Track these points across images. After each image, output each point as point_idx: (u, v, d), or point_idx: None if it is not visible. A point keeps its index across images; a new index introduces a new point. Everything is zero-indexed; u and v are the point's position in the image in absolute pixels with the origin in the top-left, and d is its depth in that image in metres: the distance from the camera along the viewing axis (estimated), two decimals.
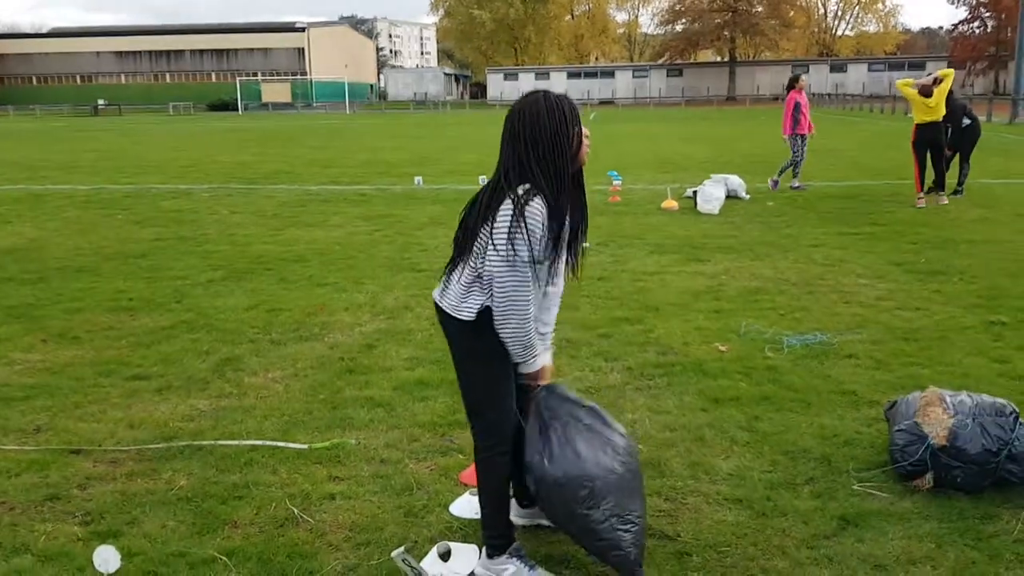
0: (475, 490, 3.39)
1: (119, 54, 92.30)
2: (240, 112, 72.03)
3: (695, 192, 11.99)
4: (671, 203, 11.93)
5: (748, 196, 12.68)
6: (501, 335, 2.75)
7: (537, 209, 2.64)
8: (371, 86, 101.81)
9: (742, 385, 4.79)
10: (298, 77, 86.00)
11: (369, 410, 4.50)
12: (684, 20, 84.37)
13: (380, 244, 9.56)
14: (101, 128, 44.77)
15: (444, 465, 3.83)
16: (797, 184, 13.72)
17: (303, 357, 5.45)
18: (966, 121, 12.80)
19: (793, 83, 13.82)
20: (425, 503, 3.49)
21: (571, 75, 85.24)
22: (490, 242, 2.66)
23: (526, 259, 2.65)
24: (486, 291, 2.75)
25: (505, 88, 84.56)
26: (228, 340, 5.85)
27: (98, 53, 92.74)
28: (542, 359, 2.93)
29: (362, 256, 8.86)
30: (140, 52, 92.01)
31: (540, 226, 2.65)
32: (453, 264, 2.86)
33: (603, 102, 78.87)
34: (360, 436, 4.16)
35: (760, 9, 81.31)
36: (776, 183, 13.82)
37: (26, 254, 9.24)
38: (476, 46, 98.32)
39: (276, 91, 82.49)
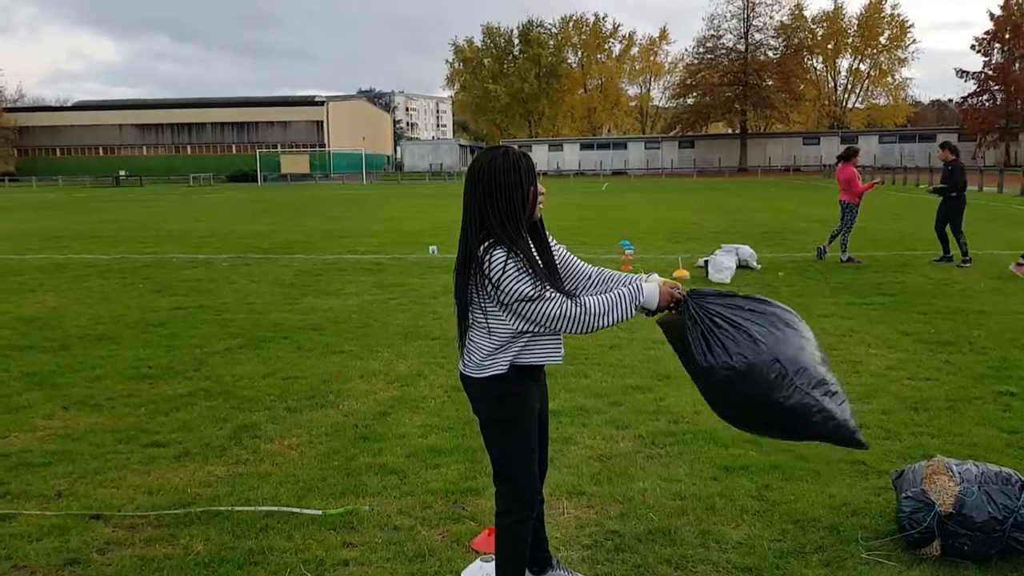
0: (487, 556, 3.44)
1: (141, 127, 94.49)
2: (259, 183, 73.31)
3: (706, 262, 12.13)
4: (683, 272, 12.06)
5: (759, 266, 12.80)
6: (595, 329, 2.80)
7: (500, 257, 2.76)
8: (388, 157, 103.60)
9: (752, 454, 4.83)
10: (316, 149, 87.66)
11: (383, 477, 4.57)
12: (695, 94, 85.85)
13: (395, 312, 9.70)
14: (122, 199, 45.66)
15: (456, 532, 3.88)
16: (848, 256, 13.42)
17: (318, 424, 5.54)
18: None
19: (852, 155, 13.64)
20: (437, 570, 3.54)
21: (584, 146, 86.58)
22: (497, 304, 2.78)
23: (532, 294, 2.75)
24: (498, 345, 2.84)
25: None
26: (245, 407, 5.95)
27: (120, 126, 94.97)
28: (648, 288, 2.88)
29: (377, 324, 8.99)
30: (162, 125, 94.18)
31: (515, 267, 2.75)
32: (461, 332, 2.97)
33: (616, 172, 79.94)
34: (374, 503, 4.22)
35: (770, 83, 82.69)
36: (824, 251, 13.69)
37: (48, 322, 9.41)
38: (491, 119, 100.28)
39: (295, 162, 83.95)
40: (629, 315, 2.84)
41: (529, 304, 2.76)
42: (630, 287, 2.91)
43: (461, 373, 3.01)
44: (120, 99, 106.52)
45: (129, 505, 4.25)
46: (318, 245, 17.69)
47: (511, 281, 2.74)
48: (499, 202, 2.82)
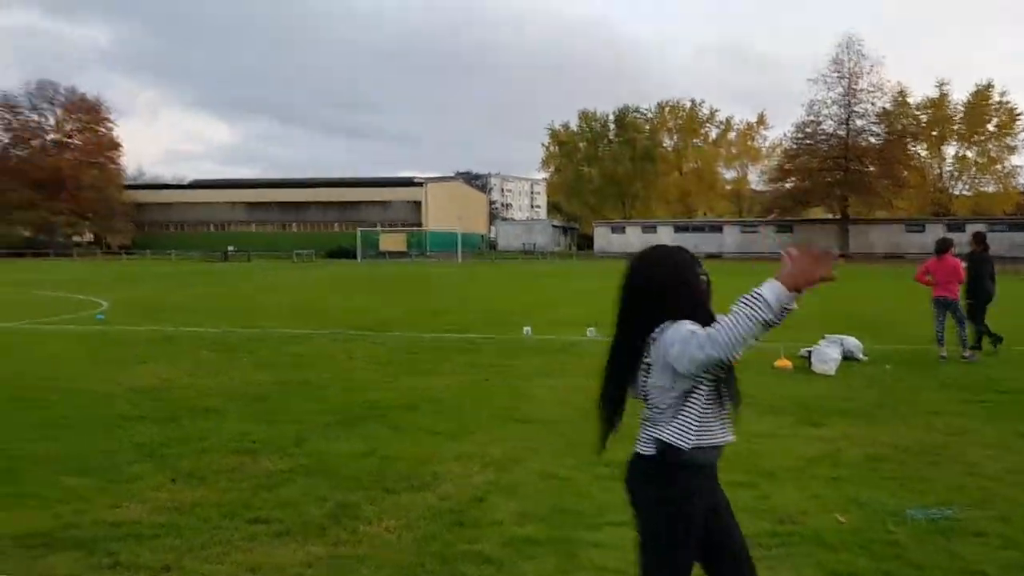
0: None
1: (250, 204, 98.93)
2: (359, 260, 75.44)
3: (809, 352, 11.81)
4: (784, 362, 11.76)
5: (865, 357, 12.39)
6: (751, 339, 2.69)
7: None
8: (482, 236, 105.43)
9: (862, 561, 4.61)
10: (414, 228, 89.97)
11: (478, 566, 4.53)
12: (793, 178, 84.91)
13: (489, 394, 9.73)
14: (230, 273, 47.62)
15: None
16: (968, 354, 12.68)
17: (415, 507, 5.56)
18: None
19: (949, 245, 13.05)
20: None
21: (678, 228, 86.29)
22: (665, 356, 2.83)
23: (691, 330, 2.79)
24: (662, 425, 2.88)
25: (612, 240, 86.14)
26: (343, 487, 6.03)
27: (232, 203, 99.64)
28: (771, 286, 2.69)
29: (471, 405, 9.03)
30: (269, 203, 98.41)
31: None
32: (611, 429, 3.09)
33: (710, 256, 79.22)
34: None
35: (872, 169, 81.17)
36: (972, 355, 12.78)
37: (158, 393, 9.79)
38: (584, 200, 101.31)
39: (393, 240, 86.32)
40: (762, 314, 2.64)
41: (690, 343, 2.79)
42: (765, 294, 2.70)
43: (629, 478, 3.09)
44: (231, 178, 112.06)
45: None
46: (414, 323, 18.00)
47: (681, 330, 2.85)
48: (671, 299, 2.90)
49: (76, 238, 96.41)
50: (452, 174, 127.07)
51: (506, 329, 16.59)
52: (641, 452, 2.93)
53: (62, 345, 14.26)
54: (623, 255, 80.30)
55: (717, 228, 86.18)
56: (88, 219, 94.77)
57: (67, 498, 5.75)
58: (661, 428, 2.89)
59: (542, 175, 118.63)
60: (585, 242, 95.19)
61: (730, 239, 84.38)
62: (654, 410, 2.92)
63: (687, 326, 2.81)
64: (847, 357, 12.15)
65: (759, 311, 2.64)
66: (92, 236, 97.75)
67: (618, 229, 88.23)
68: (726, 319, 2.72)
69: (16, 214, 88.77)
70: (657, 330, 2.89)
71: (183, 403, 9.17)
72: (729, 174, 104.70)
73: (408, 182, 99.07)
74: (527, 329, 15.80)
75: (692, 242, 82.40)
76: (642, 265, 2.99)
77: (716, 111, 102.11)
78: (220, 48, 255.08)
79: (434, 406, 8.99)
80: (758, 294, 2.67)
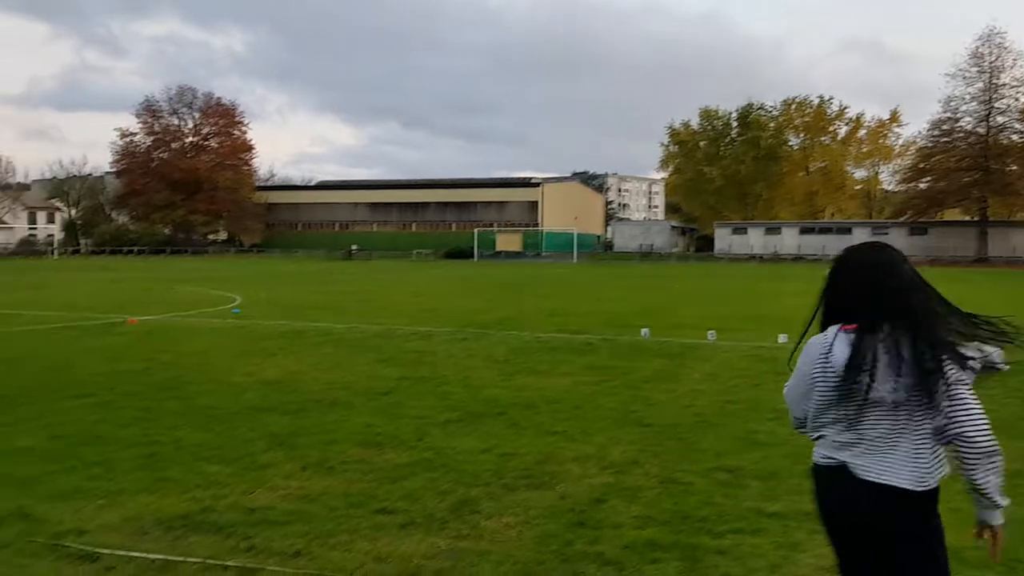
0: None
1: (372, 205, 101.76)
2: (475, 259, 76.48)
3: None
4: None
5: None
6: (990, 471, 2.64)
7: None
8: (598, 237, 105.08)
9: None
10: (530, 228, 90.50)
11: (599, 567, 4.51)
12: (928, 178, 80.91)
13: (606, 395, 9.68)
14: (353, 272, 49.12)
15: None
16: None
17: (534, 505, 5.58)
18: None
19: None
20: None
21: (804, 230, 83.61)
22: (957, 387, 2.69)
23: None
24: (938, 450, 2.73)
25: (733, 242, 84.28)
26: (464, 482, 6.11)
27: (355, 204, 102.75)
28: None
29: (589, 406, 9.00)
30: (391, 204, 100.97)
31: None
32: (893, 440, 2.72)
33: None
34: None
35: (1015, 168, 76.49)
36: None
37: (287, 385, 10.18)
38: (703, 200, 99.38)
39: (509, 240, 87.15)
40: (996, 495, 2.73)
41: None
42: None
43: (878, 491, 2.70)
44: (355, 180, 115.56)
45: (359, 571, 4.45)
46: (530, 322, 18.09)
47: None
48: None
49: (211, 236, 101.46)
50: (569, 174, 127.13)
51: (623, 331, 16.46)
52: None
53: (201, 338, 15.03)
54: (745, 257, 78.52)
55: (846, 230, 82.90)
56: (223, 218, 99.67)
57: (205, 483, 6.05)
58: None
59: (661, 175, 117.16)
60: (705, 244, 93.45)
61: (859, 241, 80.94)
62: None
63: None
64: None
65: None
66: (226, 235, 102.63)
67: (740, 230, 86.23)
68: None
69: (158, 214, 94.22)
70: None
71: (311, 395, 9.51)
72: (858, 173, 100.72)
73: (525, 183, 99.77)
74: (645, 331, 15.63)
75: (819, 244, 79.75)
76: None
77: (845, 108, 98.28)
78: (346, 54, 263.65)
79: (552, 406, 9.01)
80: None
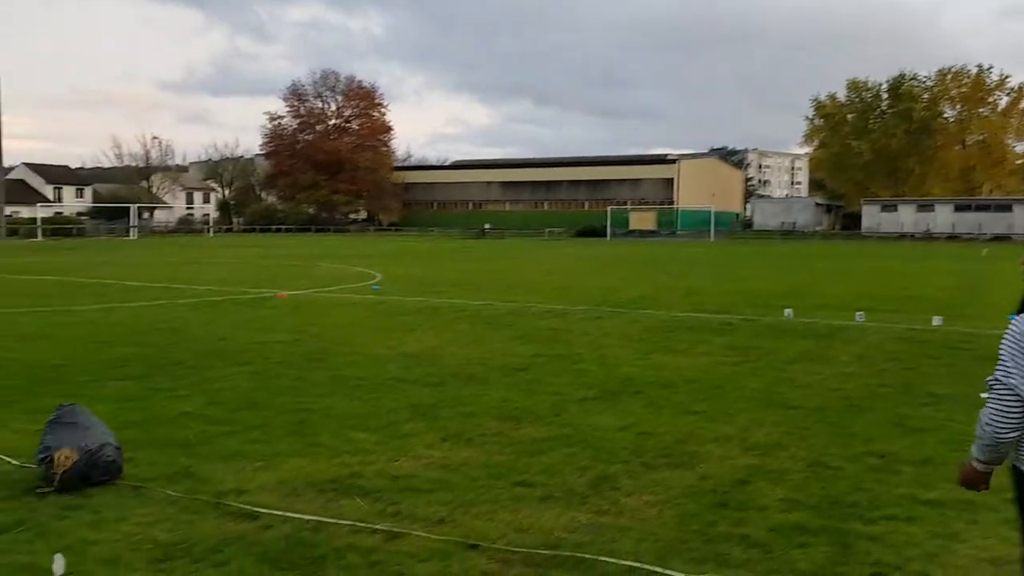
0: None
1: (506, 184, 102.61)
2: (607, 238, 75.99)
3: None
4: None
5: None
6: None
7: None
8: (736, 215, 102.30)
9: None
10: (665, 206, 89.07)
11: (745, 549, 4.41)
12: None
13: (748, 376, 9.43)
14: (487, 250, 49.78)
15: None
16: None
17: (675, 484, 5.50)
18: None
19: None
20: None
21: (959, 208, 78.65)
22: None
23: None
24: None
25: (882, 220, 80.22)
26: (602, 458, 6.10)
27: (489, 183, 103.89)
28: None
29: (729, 387, 8.80)
30: (523, 182, 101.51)
31: None
32: None
33: (996, 237, 71.55)
34: (736, 574, 4.08)
35: None
36: None
37: (427, 359, 10.43)
38: (850, 176, 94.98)
39: (643, 219, 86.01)
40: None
41: None
42: None
43: None
44: (488, 159, 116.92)
45: (502, 539, 4.52)
46: (666, 302, 17.83)
47: None
48: None
49: (352, 215, 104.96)
50: (706, 151, 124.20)
51: (765, 311, 15.99)
52: None
53: (345, 312, 15.60)
54: (894, 236, 74.61)
55: (1005, 207, 77.51)
56: (363, 198, 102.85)
57: (353, 450, 6.28)
58: None
59: (804, 150, 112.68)
60: (851, 222, 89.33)
61: (1021, 219, 75.55)
62: None
63: None
64: None
65: None
66: (365, 214, 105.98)
67: (889, 207, 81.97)
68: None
69: (303, 193, 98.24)
70: None
71: (449, 369, 9.71)
72: (1020, 147, 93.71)
73: (660, 159, 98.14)
74: (788, 311, 15.12)
75: (975, 221, 74.97)
76: None
77: (1006, 77, 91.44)
78: (483, 33, 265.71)
79: (691, 385, 8.86)
80: None
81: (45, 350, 10.94)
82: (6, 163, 78.01)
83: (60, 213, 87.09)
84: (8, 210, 75.98)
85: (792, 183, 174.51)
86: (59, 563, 4.04)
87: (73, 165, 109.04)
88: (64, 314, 15.07)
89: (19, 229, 72.42)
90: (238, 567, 4.16)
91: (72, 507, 4.98)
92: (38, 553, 4.29)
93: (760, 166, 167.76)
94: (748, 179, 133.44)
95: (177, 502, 5.10)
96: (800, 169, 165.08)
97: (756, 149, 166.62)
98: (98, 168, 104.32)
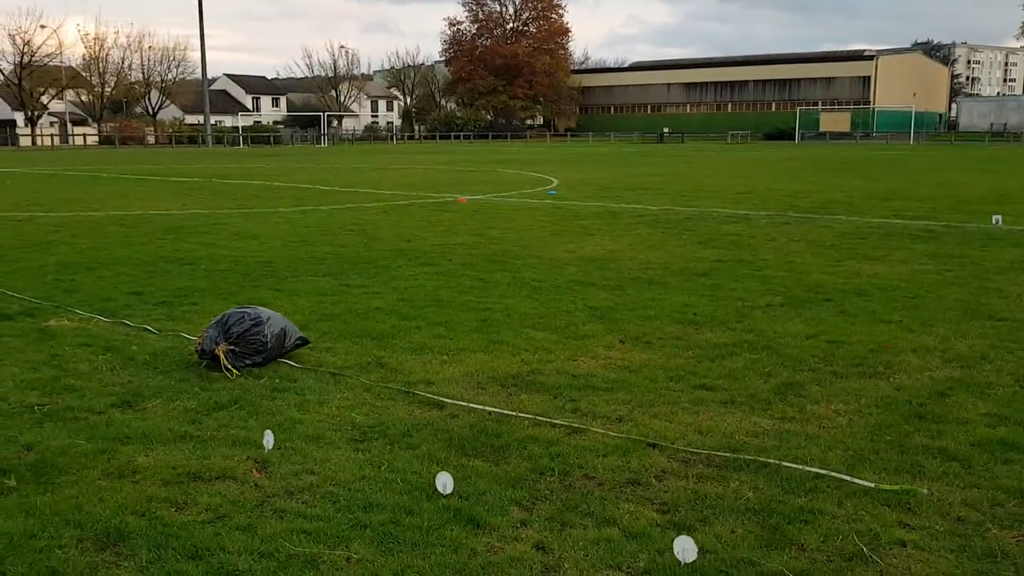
0: None
1: (687, 85, 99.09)
2: (796, 141, 72.21)
3: None
4: None
5: None
6: None
7: None
8: (940, 116, 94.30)
9: None
10: (860, 107, 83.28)
11: (942, 462, 4.18)
12: None
13: (950, 285, 8.80)
14: (666, 154, 48.60)
15: None
16: None
17: (866, 394, 5.27)
18: None
19: None
20: (1012, 575, 3.13)
21: None
22: None
23: None
24: None
25: None
26: (788, 365, 5.91)
27: (668, 85, 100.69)
28: None
29: (930, 296, 8.25)
30: (706, 83, 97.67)
31: None
32: None
33: None
34: (933, 487, 3.89)
35: None
36: None
37: (605, 263, 10.40)
38: None
39: (835, 120, 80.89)
40: None
41: None
42: None
43: None
44: (669, 59, 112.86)
45: (681, 440, 4.51)
46: (860, 207, 16.83)
47: None
48: None
49: (528, 121, 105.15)
50: (909, 46, 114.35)
51: (971, 217, 14.78)
52: None
53: (523, 216, 15.78)
54: None
55: None
56: (540, 103, 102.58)
57: (532, 348, 6.41)
58: None
59: (1021, 43, 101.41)
60: None
61: None
62: None
63: None
64: None
65: None
66: (542, 119, 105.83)
67: None
68: None
69: (482, 100, 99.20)
70: None
71: (628, 273, 9.65)
72: None
73: (856, 56, 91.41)
74: (997, 218, 13.91)
75: None
76: None
77: None
78: None
79: (886, 294, 8.37)
80: None
81: (254, 248, 11.79)
82: (209, 75, 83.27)
83: (259, 122, 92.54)
84: (213, 119, 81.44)
85: (1005, 80, 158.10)
86: (269, 438, 4.40)
87: (269, 76, 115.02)
88: (268, 215, 16.13)
89: (223, 137, 77.69)
90: (428, 450, 4.39)
91: (280, 389, 5.40)
92: (251, 429, 4.69)
93: (969, 62, 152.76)
94: (955, 76, 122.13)
95: (371, 389, 5.42)
96: (1015, 65, 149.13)
97: (965, 43, 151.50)
98: (291, 78, 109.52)
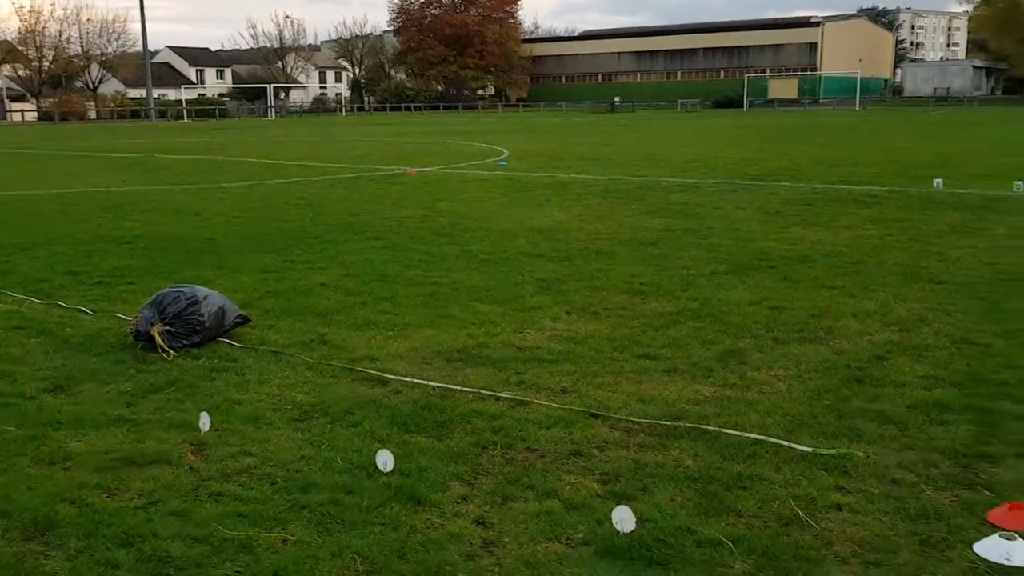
0: (1007, 534, 3.03)
1: (637, 54, 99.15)
2: (744, 109, 72.76)
3: None
4: None
5: None
6: None
7: None
8: (885, 81, 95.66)
9: None
10: (807, 73, 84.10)
11: (879, 425, 4.24)
12: None
13: (892, 250, 8.94)
14: (617, 124, 48.65)
15: (968, 499, 3.46)
16: None
17: (807, 359, 5.33)
18: None
19: None
20: (944, 536, 3.19)
21: None
22: None
23: None
24: None
25: None
26: (731, 332, 5.96)
27: (619, 54, 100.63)
28: None
29: (871, 261, 8.37)
30: (656, 52, 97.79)
31: None
32: None
33: None
34: (869, 450, 3.95)
35: None
36: None
37: (554, 235, 10.38)
38: (1019, 36, 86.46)
39: (783, 87, 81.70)
40: None
41: None
42: None
43: None
44: (619, 28, 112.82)
45: (624, 410, 4.52)
46: (806, 173, 17.02)
47: None
48: None
49: (480, 92, 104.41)
50: (855, 11, 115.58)
51: (913, 182, 15.03)
52: None
53: (472, 188, 15.67)
54: None
55: None
56: (491, 73, 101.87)
57: (479, 321, 6.37)
58: None
59: (964, 7, 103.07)
60: (1015, 85, 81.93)
61: None
62: None
63: None
64: None
65: None
66: (493, 89, 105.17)
67: None
68: None
69: (432, 70, 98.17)
70: None
71: (576, 244, 9.64)
72: None
73: (803, 22, 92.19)
74: (938, 182, 14.16)
75: None
76: None
77: None
78: None
79: (829, 260, 8.48)
80: None
81: (196, 225, 11.54)
82: (151, 47, 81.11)
83: (203, 95, 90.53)
84: (156, 93, 79.51)
85: (948, 45, 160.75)
86: (205, 420, 4.31)
87: (213, 48, 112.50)
88: (212, 191, 15.80)
89: (167, 111, 75.90)
90: (370, 428, 4.33)
91: (219, 370, 5.29)
92: (188, 411, 4.59)
93: (913, 27, 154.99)
94: (899, 42, 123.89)
95: (314, 367, 5.34)
96: (958, 30, 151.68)
97: (909, 8, 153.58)
98: (237, 50, 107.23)
